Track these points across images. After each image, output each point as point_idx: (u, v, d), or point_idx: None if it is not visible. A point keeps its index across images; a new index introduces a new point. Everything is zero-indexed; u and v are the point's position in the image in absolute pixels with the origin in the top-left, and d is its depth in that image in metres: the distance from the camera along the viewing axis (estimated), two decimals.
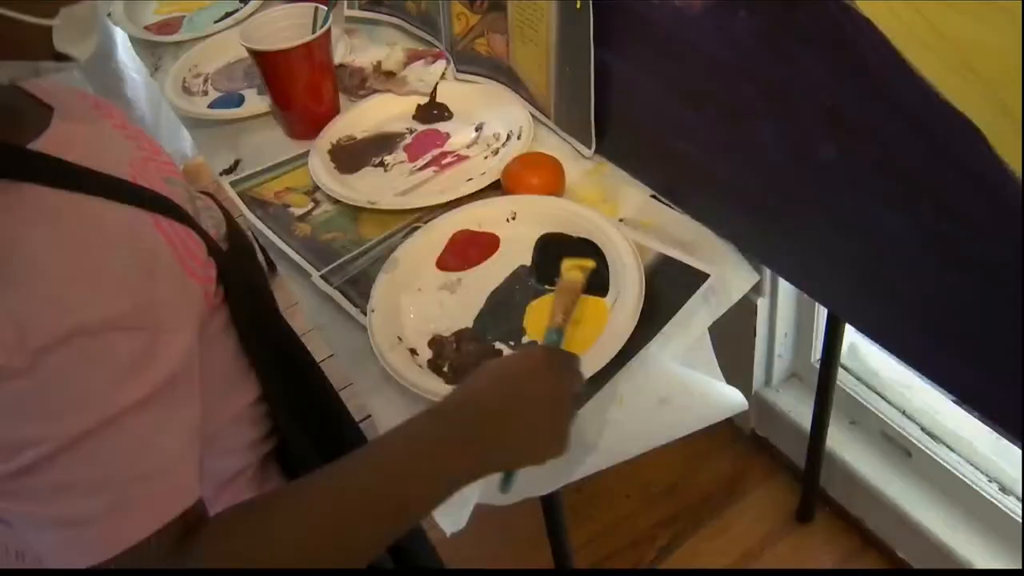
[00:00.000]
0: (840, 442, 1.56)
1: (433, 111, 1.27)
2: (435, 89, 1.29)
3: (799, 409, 1.64)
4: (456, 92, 1.29)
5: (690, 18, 0.93)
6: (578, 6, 1.04)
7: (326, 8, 1.26)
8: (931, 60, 0.70)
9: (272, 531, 0.65)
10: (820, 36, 0.79)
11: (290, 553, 0.64)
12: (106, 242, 0.63)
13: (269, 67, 1.24)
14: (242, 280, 0.80)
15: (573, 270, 0.92)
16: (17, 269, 0.59)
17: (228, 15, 1.62)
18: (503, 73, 1.25)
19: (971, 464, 1.42)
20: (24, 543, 0.74)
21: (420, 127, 1.26)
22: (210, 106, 1.40)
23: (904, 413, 1.51)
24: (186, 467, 0.65)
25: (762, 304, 1.53)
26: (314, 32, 1.24)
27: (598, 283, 0.98)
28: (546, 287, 0.99)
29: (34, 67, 0.67)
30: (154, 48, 1.60)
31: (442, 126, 1.25)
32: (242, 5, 1.63)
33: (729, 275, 0.99)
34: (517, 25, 1.17)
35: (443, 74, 1.31)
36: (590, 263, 0.92)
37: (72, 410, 0.59)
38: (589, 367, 0.89)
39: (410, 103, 1.30)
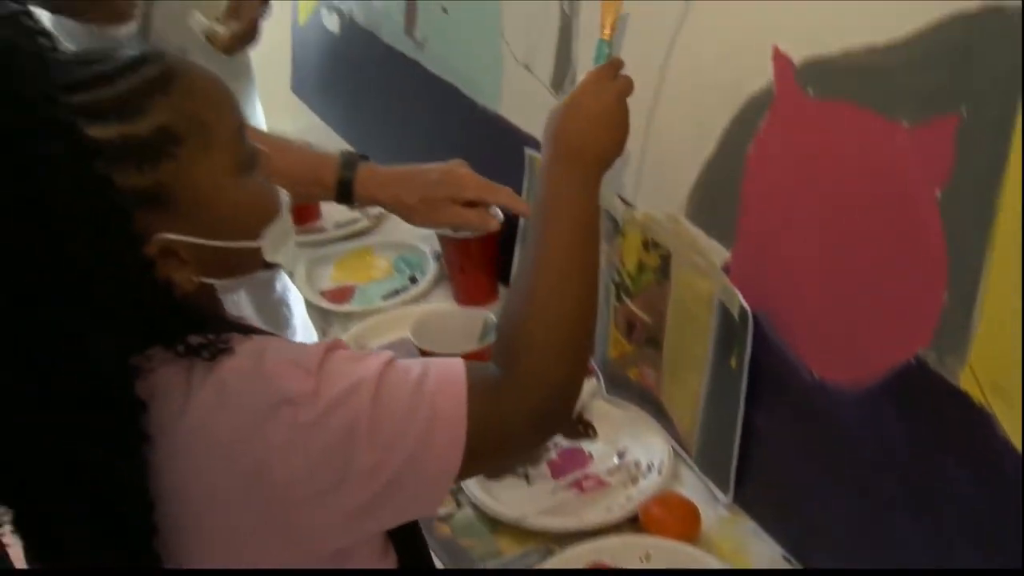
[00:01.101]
0: None
1: (579, 427, 1.34)
2: (582, 408, 1.36)
3: None
4: (602, 412, 1.36)
5: (841, 400, 0.98)
6: (733, 365, 1.11)
7: (495, 320, 1.36)
8: None
9: (537, 322, 0.86)
10: (968, 449, 0.83)
11: (563, 316, 0.86)
12: None
13: None
14: None
15: None
16: (266, 346, 0.78)
17: (397, 292, 1.74)
18: (650, 403, 1.31)
19: None
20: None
21: (565, 443, 1.32)
22: None
23: None
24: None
25: None
26: (481, 341, 1.34)
27: None
28: None
29: (252, 279, 0.85)
30: (325, 315, 1.73)
31: (586, 445, 1.31)
32: (411, 285, 1.76)
33: None
34: (670, 366, 1.25)
35: (593, 393, 1.38)
36: None
37: (356, 389, 0.76)
38: None
39: None
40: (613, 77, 0.99)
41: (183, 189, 0.77)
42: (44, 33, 0.66)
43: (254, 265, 0.85)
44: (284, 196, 0.88)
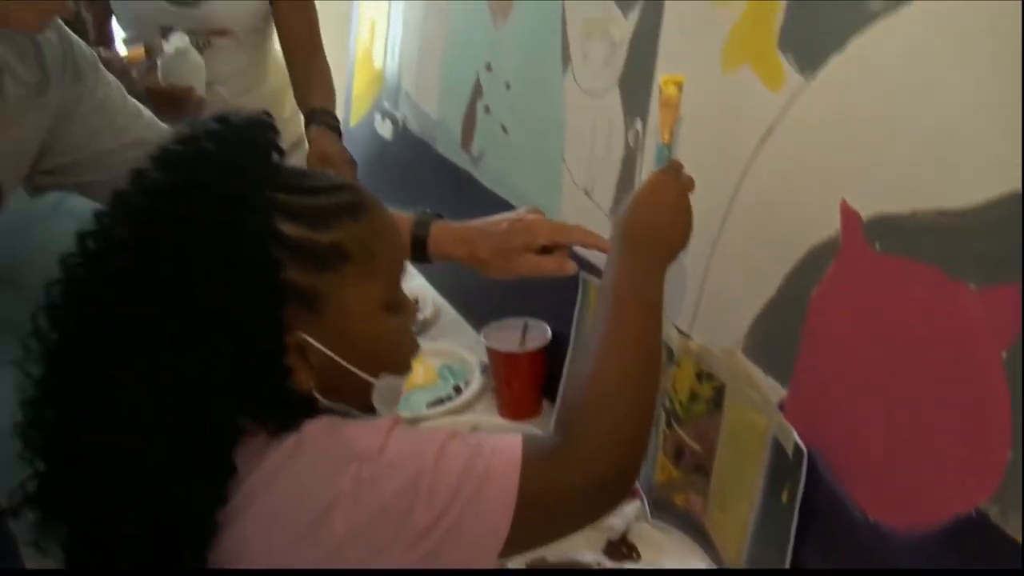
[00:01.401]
0: None
1: (623, 549, 1.36)
2: (627, 530, 1.38)
3: None
4: (646, 535, 1.37)
5: (894, 545, 1.00)
6: (784, 499, 1.14)
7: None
8: None
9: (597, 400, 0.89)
10: None
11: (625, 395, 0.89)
12: None
13: None
14: None
15: (669, 85, 1.09)
16: (347, 420, 0.85)
17: (441, 401, 1.76)
18: (695, 529, 1.33)
19: None
20: None
21: (608, 563, 1.34)
22: None
23: None
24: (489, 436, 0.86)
25: None
26: None
27: None
28: None
29: (349, 410, 0.88)
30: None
31: (630, 567, 1.33)
32: (456, 395, 1.78)
33: None
34: (718, 495, 1.27)
35: (637, 516, 1.40)
36: (681, 78, 1.10)
37: (421, 452, 0.81)
38: None
39: (600, 535, 1.39)
40: (676, 176, 1.06)
41: (334, 301, 0.85)
42: (279, 149, 0.87)
43: (360, 403, 0.90)
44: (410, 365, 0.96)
